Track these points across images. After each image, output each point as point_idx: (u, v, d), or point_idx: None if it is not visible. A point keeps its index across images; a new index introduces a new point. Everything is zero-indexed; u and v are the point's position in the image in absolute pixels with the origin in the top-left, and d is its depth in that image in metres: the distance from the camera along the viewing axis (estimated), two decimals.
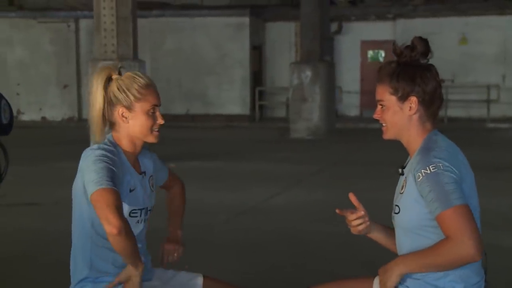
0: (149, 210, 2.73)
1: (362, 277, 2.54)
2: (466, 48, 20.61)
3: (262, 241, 6.10)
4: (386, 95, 2.51)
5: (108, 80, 2.63)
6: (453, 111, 19.88)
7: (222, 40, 20.86)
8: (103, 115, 2.63)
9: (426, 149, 2.43)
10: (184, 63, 20.99)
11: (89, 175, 2.45)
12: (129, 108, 2.62)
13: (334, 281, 2.79)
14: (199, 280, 2.83)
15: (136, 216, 2.64)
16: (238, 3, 21.89)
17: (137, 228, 2.67)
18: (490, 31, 20.42)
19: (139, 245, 2.62)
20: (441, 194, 2.31)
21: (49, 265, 5.22)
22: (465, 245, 2.26)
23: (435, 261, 2.34)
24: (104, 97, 2.62)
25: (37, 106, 21.46)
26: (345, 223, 2.69)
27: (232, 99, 20.87)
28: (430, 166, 2.35)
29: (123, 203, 2.52)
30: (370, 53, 21.55)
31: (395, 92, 2.49)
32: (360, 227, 2.63)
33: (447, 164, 2.36)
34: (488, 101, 19.37)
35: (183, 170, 10.88)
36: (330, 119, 16.23)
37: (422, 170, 2.36)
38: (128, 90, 2.61)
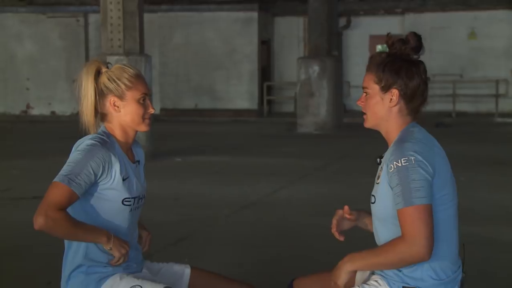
0: (142, 198, 2.78)
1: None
2: (475, 42, 20.55)
3: (264, 235, 6.13)
4: (370, 84, 2.55)
5: (98, 73, 2.69)
6: (461, 106, 19.84)
7: (230, 34, 20.88)
8: (95, 107, 2.68)
9: (401, 141, 2.46)
10: (192, 57, 21.03)
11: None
12: (120, 97, 2.68)
13: (318, 272, 2.82)
14: (187, 270, 2.87)
15: (130, 205, 2.68)
16: None
17: (130, 216, 2.71)
18: (499, 25, 20.35)
19: (131, 232, 2.72)
20: (406, 190, 2.35)
21: (52, 257, 5.25)
22: (417, 245, 2.32)
23: (385, 259, 2.40)
24: (95, 89, 2.67)
25: (47, 100, 21.57)
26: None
27: (240, 94, 20.90)
28: (402, 159, 2.38)
29: (113, 191, 2.60)
30: (379, 47, 21.36)
31: (379, 81, 2.52)
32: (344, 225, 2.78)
33: (419, 158, 2.39)
34: (496, 96, 19.32)
35: (189, 164, 10.99)
36: (337, 114, 16.22)
37: (394, 162, 2.40)
38: (119, 79, 2.67)
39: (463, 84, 20.17)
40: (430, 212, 2.35)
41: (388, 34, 2.58)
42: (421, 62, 2.54)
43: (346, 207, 2.75)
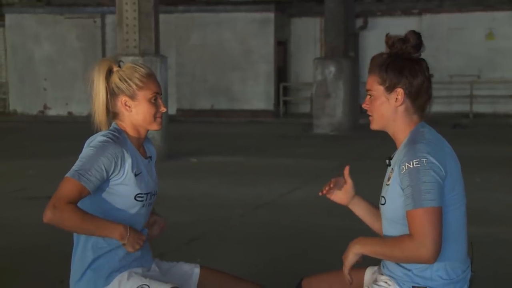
0: (154, 194, 2.77)
1: (354, 268, 2.57)
2: (493, 43, 20.40)
3: (277, 235, 6.12)
4: (374, 85, 2.54)
5: (109, 72, 2.69)
6: (479, 107, 19.71)
7: (247, 35, 20.90)
8: (107, 106, 2.69)
9: (412, 142, 2.45)
10: (209, 58, 21.07)
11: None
12: (132, 97, 2.67)
13: (326, 272, 2.82)
14: (196, 270, 2.86)
15: (142, 200, 2.68)
16: None
17: (142, 212, 2.72)
18: None
19: (142, 228, 2.73)
20: (416, 192, 2.34)
21: (66, 256, 5.28)
22: (424, 247, 2.31)
23: (391, 252, 2.41)
24: (106, 88, 2.67)
25: (64, 101, 21.70)
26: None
27: (257, 95, 20.90)
28: (414, 161, 2.37)
29: (126, 186, 2.61)
30: None
31: (382, 82, 2.51)
32: (336, 194, 2.83)
33: (432, 159, 2.38)
34: None
35: (204, 165, 11.00)
36: (353, 114, 16.18)
37: (406, 164, 2.39)
38: (130, 79, 2.67)
39: (481, 85, 20.04)
40: (439, 215, 2.34)
41: (387, 34, 2.58)
42: (423, 60, 2.54)
43: (347, 167, 2.82)
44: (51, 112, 21.69)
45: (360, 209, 2.83)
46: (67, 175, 2.52)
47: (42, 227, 6.41)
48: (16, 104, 21.92)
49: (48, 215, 2.46)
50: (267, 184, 8.77)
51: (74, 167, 2.54)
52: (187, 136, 14.93)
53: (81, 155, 2.58)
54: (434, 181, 2.35)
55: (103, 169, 2.55)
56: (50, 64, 21.68)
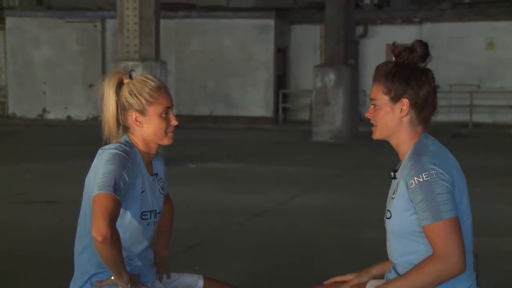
0: (158, 213, 2.72)
1: (356, 285, 2.54)
2: (493, 53, 20.40)
3: (275, 243, 6.09)
4: (379, 95, 2.50)
5: (120, 85, 2.63)
6: (478, 117, 19.71)
7: (247, 42, 20.90)
8: (117, 119, 2.64)
9: (417, 155, 2.41)
10: (208, 64, 21.06)
11: (97, 176, 2.47)
12: (142, 112, 2.61)
13: (318, 285, 2.78)
14: (200, 282, 2.83)
15: (147, 219, 2.64)
16: (264, 5, 21.90)
17: (148, 230, 2.68)
18: None
19: (148, 246, 2.68)
20: (433, 205, 2.30)
21: (65, 262, 5.25)
22: (453, 260, 2.27)
23: (424, 280, 2.32)
24: (116, 102, 2.62)
25: (63, 105, 21.66)
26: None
27: (256, 101, 20.88)
28: (423, 174, 2.33)
29: (134, 204, 2.55)
30: None
31: (388, 92, 2.47)
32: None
33: (440, 170, 2.34)
34: None
35: (202, 171, 10.97)
36: (353, 122, 16.17)
37: (415, 178, 2.35)
38: (140, 94, 2.60)
39: (480, 95, 20.05)
40: (459, 224, 2.32)
41: (394, 43, 2.54)
42: (429, 70, 2.50)
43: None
44: (50, 116, 21.65)
45: (378, 271, 2.74)
46: (100, 191, 2.40)
47: (40, 232, 6.41)
48: (15, 107, 21.88)
49: (105, 233, 2.33)
50: (266, 191, 8.74)
51: (103, 183, 2.41)
52: (186, 142, 14.88)
53: (101, 171, 2.46)
54: (447, 191, 2.32)
55: (127, 182, 2.49)
56: (49, 68, 21.65)
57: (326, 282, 2.78)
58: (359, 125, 16.84)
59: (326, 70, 15.90)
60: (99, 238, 2.33)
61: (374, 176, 9.77)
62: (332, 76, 15.81)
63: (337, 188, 9.09)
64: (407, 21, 21.08)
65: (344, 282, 2.73)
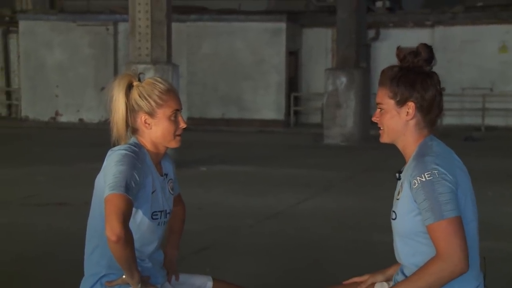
0: (168, 213, 2.73)
1: (370, 284, 2.54)
2: (505, 56, 20.31)
3: (287, 246, 6.08)
4: (385, 99, 2.50)
5: (129, 87, 2.65)
6: (491, 120, 19.63)
7: (258, 45, 20.90)
8: (126, 121, 2.65)
9: (421, 155, 2.42)
10: (220, 67, 21.08)
11: (107, 177, 2.48)
12: (151, 114, 2.63)
13: (336, 285, 2.78)
14: (209, 284, 2.83)
15: (157, 219, 2.65)
16: (275, 8, 21.92)
17: (158, 231, 2.69)
18: None
19: (158, 247, 2.68)
20: (435, 205, 2.30)
21: (76, 263, 5.26)
22: (455, 259, 2.27)
23: (427, 282, 2.32)
24: (126, 104, 2.63)
25: (75, 108, 21.74)
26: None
27: (268, 104, 20.88)
28: (426, 174, 2.34)
29: (145, 204, 2.57)
30: None
31: (394, 96, 2.48)
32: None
33: (442, 170, 2.34)
34: None
35: (214, 174, 10.98)
36: (364, 125, 16.13)
37: (418, 177, 2.35)
38: (150, 96, 2.62)
39: (493, 98, 19.95)
40: (461, 224, 2.31)
41: (398, 47, 2.55)
42: (434, 73, 2.50)
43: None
44: (63, 119, 21.73)
45: (394, 272, 2.74)
46: (112, 191, 2.41)
47: (50, 234, 6.43)
48: (28, 110, 21.98)
49: (119, 233, 2.34)
50: (277, 194, 8.74)
51: (114, 183, 2.42)
52: (197, 144, 14.90)
53: (111, 172, 2.47)
54: (450, 191, 2.32)
55: (138, 182, 2.50)
56: (62, 71, 21.74)
57: (345, 282, 2.80)
58: (370, 128, 16.79)
59: (338, 73, 15.88)
60: (113, 238, 2.34)
61: (385, 179, 9.70)
62: (343, 79, 15.79)
63: (348, 191, 9.08)
64: (419, 24, 21.03)
65: (362, 282, 2.75)
